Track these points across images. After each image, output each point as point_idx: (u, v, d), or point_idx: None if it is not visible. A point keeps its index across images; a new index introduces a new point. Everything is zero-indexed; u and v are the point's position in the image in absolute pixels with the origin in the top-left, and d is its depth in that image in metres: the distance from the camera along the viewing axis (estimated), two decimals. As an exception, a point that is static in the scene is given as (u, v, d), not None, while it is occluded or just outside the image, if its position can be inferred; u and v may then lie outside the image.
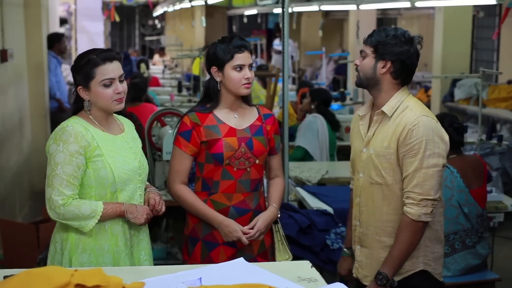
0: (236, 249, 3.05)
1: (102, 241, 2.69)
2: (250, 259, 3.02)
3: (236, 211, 3.03)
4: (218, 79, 3.02)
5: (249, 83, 3.01)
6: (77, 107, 2.75)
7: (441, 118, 3.96)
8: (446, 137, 2.79)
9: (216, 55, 3.00)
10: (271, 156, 3.17)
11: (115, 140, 2.75)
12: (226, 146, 2.99)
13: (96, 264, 2.66)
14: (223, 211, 3.03)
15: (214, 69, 3.02)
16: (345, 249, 3.17)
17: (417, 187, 2.71)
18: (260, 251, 3.10)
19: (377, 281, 2.78)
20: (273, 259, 3.13)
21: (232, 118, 3.06)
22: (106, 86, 2.67)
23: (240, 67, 2.99)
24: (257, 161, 3.05)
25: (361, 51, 2.88)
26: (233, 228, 2.99)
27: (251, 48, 3.10)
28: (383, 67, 2.80)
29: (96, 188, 2.67)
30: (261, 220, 3.04)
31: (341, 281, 2.22)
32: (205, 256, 3.05)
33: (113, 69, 2.69)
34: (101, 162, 2.66)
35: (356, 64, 2.90)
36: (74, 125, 2.66)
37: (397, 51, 2.77)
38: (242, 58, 2.99)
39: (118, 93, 2.69)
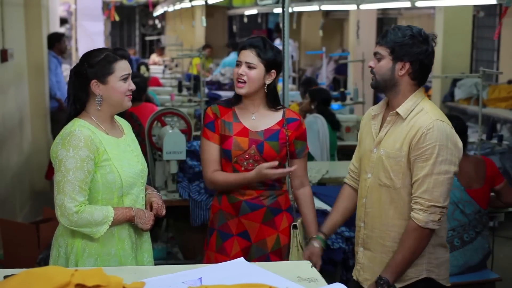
0: (250, 243, 3.07)
1: (109, 246, 2.66)
2: (263, 255, 3.05)
3: (248, 205, 3.06)
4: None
5: (243, 82, 3.01)
6: (76, 109, 2.69)
7: None
8: (460, 143, 2.70)
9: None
10: (292, 160, 3.12)
11: (119, 144, 2.72)
12: (235, 144, 3.02)
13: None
14: (236, 205, 3.06)
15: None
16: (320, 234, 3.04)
17: (426, 193, 2.62)
18: (274, 248, 3.10)
19: (377, 285, 2.69)
20: (287, 259, 3.11)
21: (249, 119, 3.07)
22: (124, 80, 2.68)
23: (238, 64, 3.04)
24: None
25: (375, 53, 2.75)
26: (263, 171, 2.95)
27: (255, 45, 3.03)
28: (402, 68, 2.69)
29: (103, 193, 2.64)
30: (315, 256, 2.96)
31: (341, 281, 2.22)
32: (219, 246, 3.08)
33: (128, 66, 2.72)
34: (108, 167, 2.62)
35: (371, 66, 2.78)
36: (81, 129, 2.60)
37: (416, 51, 2.67)
38: (241, 55, 3.04)
39: (130, 89, 2.70)
